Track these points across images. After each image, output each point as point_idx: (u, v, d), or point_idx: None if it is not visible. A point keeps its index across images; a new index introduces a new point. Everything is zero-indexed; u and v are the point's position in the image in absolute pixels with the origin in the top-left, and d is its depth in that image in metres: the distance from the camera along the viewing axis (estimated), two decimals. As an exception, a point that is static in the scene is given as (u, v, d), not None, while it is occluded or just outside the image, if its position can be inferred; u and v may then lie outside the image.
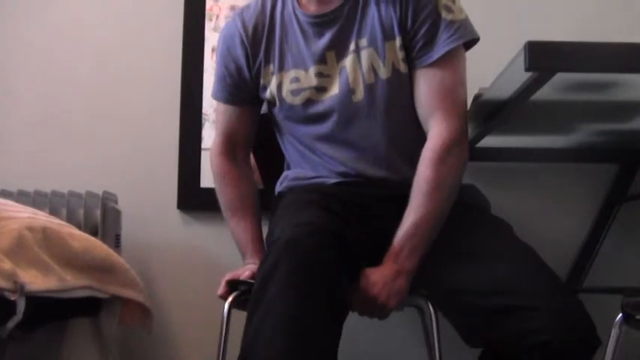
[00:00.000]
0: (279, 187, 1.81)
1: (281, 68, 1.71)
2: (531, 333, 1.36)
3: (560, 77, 1.49)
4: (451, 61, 1.61)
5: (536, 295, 1.38)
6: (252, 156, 1.97)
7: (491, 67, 1.73)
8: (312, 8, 1.69)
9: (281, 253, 1.39)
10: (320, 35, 1.68)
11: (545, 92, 1.59)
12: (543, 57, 1.43)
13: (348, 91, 1.66)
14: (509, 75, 1.57)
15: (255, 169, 1.97)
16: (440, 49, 1.60)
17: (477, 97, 1.90)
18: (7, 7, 2.53)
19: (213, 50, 2.41)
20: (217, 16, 2.47)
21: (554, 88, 1.57)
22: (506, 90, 1.65)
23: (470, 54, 1.69)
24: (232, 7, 2.46)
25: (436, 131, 1.59)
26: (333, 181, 1.70)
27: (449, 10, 1.61)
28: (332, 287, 1.39)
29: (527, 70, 1.43)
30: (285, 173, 1.82)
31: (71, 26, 2.51)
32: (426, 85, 1.62)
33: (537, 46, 1.42)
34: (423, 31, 1.61)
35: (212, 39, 2.43)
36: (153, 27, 2.50)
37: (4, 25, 2.52)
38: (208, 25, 2.46)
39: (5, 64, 2.51)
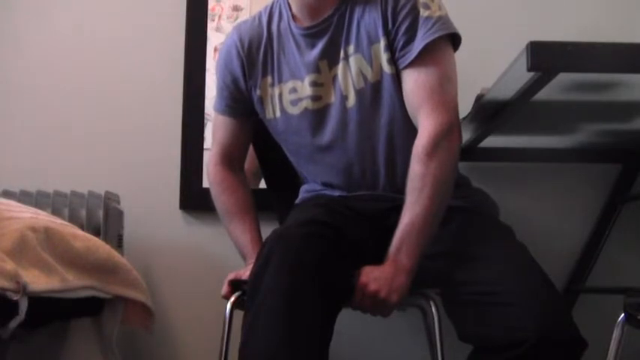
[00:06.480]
0: (297, 201, 1.86)
1: (280, 80, 1.74)
2: (508, 330, 1.38)
3: (563, 77, 1.49)
4: (433, 56, 1.61)
5: (518, 295, 1.40)
6: (254, 157, 1.98)
7: (493, 67, 1.74)
8: (305, 21, 1.72)
9: (273, 245, 1.44)
10: (312, 46, 1.70)
11: (548, 92, 1.59)
12: (545, 57, 1.43)
13: (342, 98, 1.68)
14: (512, 75, 1.57)
15: (250, 171, 1.99)
16: (418, 45, 1.60)
17: (479, 98, 1.90)
18: (9, 8, 2.53)
19: (215, 50, 2.41)
20: (219, 17, 2.47)
21: (557, 88, 1.57)
22: (509, 90, 1.65)
23: (472, 54, 1.68)
24: (234, 8, 2.46)
25: (423, 127, 1.58)
26: (337, 194, 1.73)
27: (426, 7, 1.62)
28: (324, 275, 1.41)
29: (529, 70, 1.43)
30: (301, 187, 1.86)
31: (73, 26, 2.51)
32: (411, 83, 1.62)
33: (539, 47, 1.42)
34: (402, 30, 1.62)
35: (214, 39, 2.43)
36: (155, 27, 2.50)
37: (6, 26, 2.52)
38: (210, 26, 2.46)
39: (7, 64, 2.51)
